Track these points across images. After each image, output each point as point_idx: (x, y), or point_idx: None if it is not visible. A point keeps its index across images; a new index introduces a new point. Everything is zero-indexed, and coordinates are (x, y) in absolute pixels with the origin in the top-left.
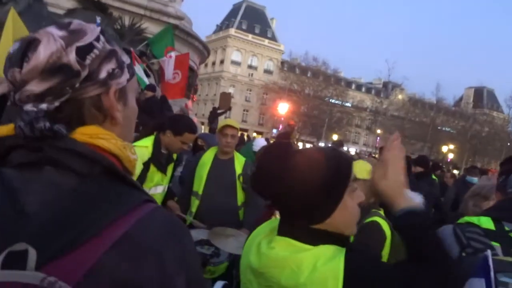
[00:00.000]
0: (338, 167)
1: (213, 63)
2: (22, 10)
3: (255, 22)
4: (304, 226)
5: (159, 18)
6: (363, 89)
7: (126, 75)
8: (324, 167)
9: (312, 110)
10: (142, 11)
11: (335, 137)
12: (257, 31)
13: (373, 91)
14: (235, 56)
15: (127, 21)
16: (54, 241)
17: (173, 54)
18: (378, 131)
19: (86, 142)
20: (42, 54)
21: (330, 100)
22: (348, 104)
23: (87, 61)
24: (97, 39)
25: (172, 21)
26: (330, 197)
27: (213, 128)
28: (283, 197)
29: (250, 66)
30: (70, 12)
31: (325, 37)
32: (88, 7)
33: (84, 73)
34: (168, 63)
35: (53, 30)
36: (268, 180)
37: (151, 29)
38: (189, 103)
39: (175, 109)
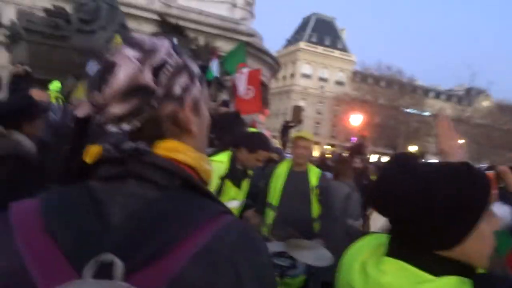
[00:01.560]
0: (474, 185)
1: (284, 77)
2: (111, 36)
3: (325, 34)
4: (426, 251)
5: (232, 36)
6: (443, 97)
7: (198, 87)
8: (457, 184)
9: (387, 121)
10: (215, 31)
11: (412, 148)
12: (327, 42)
13: (454, 99)
14: (306, 69)
15: (202, 41)
16: (138, 252)
17: (245, 70)
18: (462, 141)
19: (165, 156)
20: (121, 77)
21: (406, 110)
22: (426, 113)
23: (162, 79)
24: (169, 54)
25: (244, 38)
26: (464, 219)
27: (285, 141)
28: (405, 217)
29: (321, 79)
30: (152, 36)
31: (399, 45)
32: (167, 31)
33: (161, 91)
34: (241, 79)
35: (128, 51)
36: (390, 196)
37: (225, 47)
38: (261, 117)
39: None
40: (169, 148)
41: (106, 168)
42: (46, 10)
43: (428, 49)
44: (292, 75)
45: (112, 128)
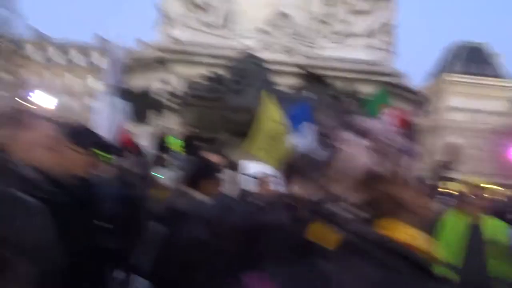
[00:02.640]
0: None
1: (431, 112)
2: (258, 93)
3: (474, 61)
4: None
5: (373, 79)
6: None
7: (408, 161)
8: None
9: None
10: (356, 75)
11: None
12: (477, 70)
13: None
14: (455, 101)
15: (341, 86)
16: None
17: (389, 111)
18: None
19: (388, 236)
20: (347, 161)
21: None
22: None
23: (387, 162)
24: (390, 136)
25: (386, 79)
26: None
27: (437, 185)
28: None
29: (473, 110)
30: (295, 90)
31: None
32: (308, 81)
33: (386, 174)
34: (385, 121)
35: (353, 137)
36: None
37: (365, 90)
38: None
39: None
40: (390, 227)
41: (334, 247)
42: (204, 77)
43: None
44: (440, 110)
45: (334, 208)
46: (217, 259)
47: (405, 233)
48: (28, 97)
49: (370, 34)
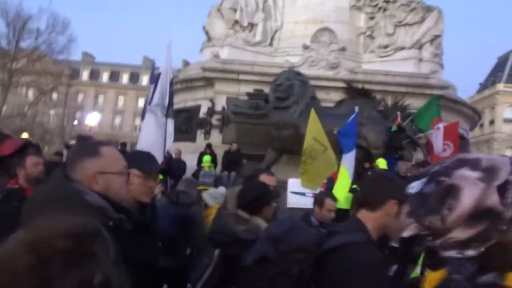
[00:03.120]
0: None
1: (481, 125)
2: (304, 109)
3: None
4: None
5: (422, 92)
6: None
7: None
8: None
9: None
10: (404, 89)
11: None
12: None
13: None
14: (508, 113)
15: (390, 101)
16: None
17: (440, 125)
18: None
19: (499, 281)
20: (467, 201)
21: None
22: None
23: (509, 200)
24: (507, 169)
25: (435, 92)
26: None
27: None
28: None
29: None
30: (339, 103)
31: None
32: (354, 96)
33: (509, 214)
34: (437, 135)
35: (468, 172)
36: None
37: (415, 104)
38: None
39: None
40: (499, 268)
41: None
42: (248, 94)
43: None
44: (492, 122)
45: (451, 253)
46: (283, 280)
47: None
48: (80, 118)
49: (417, 46)
